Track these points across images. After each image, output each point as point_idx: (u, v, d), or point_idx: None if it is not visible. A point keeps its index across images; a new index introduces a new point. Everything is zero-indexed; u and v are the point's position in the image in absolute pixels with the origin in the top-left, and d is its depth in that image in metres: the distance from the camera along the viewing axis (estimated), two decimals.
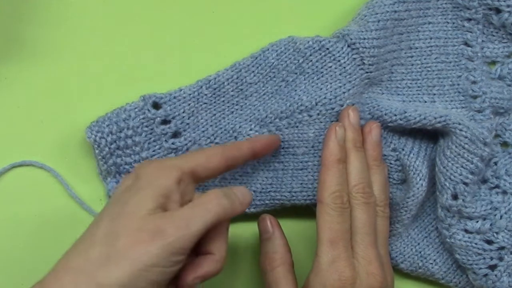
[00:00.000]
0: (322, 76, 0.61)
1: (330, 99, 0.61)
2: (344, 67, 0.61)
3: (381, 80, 0.63)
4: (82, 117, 0.60)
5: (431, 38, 0.64)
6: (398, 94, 0.64)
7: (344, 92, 0.61)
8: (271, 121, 0.61)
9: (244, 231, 0.63)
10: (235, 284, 0.63)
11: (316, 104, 0.61)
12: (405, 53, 0.64)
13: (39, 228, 0.60)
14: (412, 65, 0.64)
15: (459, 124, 0.60)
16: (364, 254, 0.56)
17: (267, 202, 0.62)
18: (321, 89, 0.61)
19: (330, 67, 0.61)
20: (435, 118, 0.60)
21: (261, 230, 0.60)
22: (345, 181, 0.58)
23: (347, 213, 0.57)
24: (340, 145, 0.59)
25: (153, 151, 0.59)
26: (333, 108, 0.61)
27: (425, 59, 0.64)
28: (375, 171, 0.60)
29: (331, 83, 0.61)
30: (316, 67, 0.61)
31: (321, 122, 0.61)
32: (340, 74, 0.61)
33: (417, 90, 0.64)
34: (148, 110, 0.59)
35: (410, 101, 0.64)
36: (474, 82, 0.64)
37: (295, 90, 0.62)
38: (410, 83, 0.64)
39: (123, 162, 0.59)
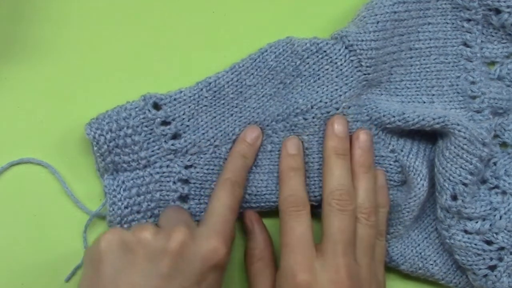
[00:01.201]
0: (318, 79, 0.61)
1: (326, 102, 0.61)
2: (341, 70, 0.61)
3: (380, 81, 0.63)
4: (82, 117, 0.60)
5: (430, 39, 0.64)
6: (397, 95, 0.64)
7: (340, 95, 0.61)
8: (268, 124, 0.61)
9: (242, 232, 0.63)
10: (234, 285, 0.63)
11: (312, 107, 0.61)
12: (405, 54, 0.64)
13: (38, 226, 0.61)
14: (411, 66, 0.64)
15: (458, 125, 0.59)
16: (332, 262, 0.55)
17: (262, 204, 0.62)
18: (317, 92, 0.61)
19: (327, 69, 0.61)
20: (434, 119, 0.60)
21: (244, 227, 0.61)
22: (302, 187, 0.59)
23: (304, 217, 0.57)
24: (292, 155, 0.61)
25: (152, 151, 0.59)
26: (328, 112, 0.61)
27: (424, 59, 0.64)
28: (361, 178, 0.60)
29: (327, 86, 0.61)
30: (313, 69, 0.61)
31: (316, 125, 0.61)
32: (336, 77, 0.61)
33: (416, 91, 0.64)
34: (149, 110, 0.59)
35: (409, 102, 0.64)
36: (473, 83, 0.64)
37: (292, 93, 0.62)
38: (409, 84, 0.64)
39: (121, 161, 0.59)
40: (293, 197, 0.58)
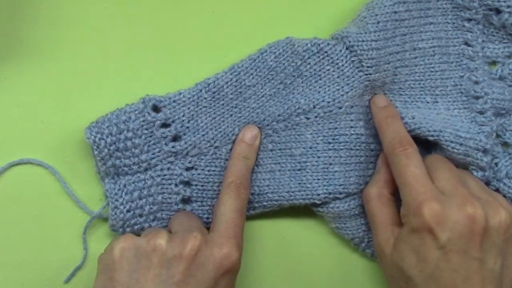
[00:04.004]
0: (320, 79, 0.61)
1: (328, 102, 0.61)
2: (342, 70, 0.61)
3: (384, 82, 0.63)
4: (82, 117, 0.60)
5: (433, 39, 0.64)
6: (401, 95, 0.64)
7: (342, 95, 0.61)
8: (268, 124, 0.61)
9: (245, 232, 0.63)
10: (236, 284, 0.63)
11: (314, 107, 0.61)
12: (410, 54, 0.63)
13: (39, 226, 0.61)
14: (416, 66, 0.64)
15: (451, 142, 0.60)
16: (454, 190, 0.56)
17: (264, 203, 0.62)
18: (319, 92, 0.61)
19: (328, 70, 0.61)
20: (429, 131, 0.60)
21: None
22: (403, 128, 0.60)
23: (413, 154, 0.57)
24: (383, 107, 0.62)
25: (153, 154, 0.59)
26: (331, 111, 0.61)
27: (428, 59, 0.64)
28: None
29: (329, 86, 0.61)
30: (314, 70, 0.61)
31: (318, 124, 0.61)
32: (338, 77, 0.61)
33: (420, 91, 0.64)
34: (148, 113, 0.59)
35: (412, 101, 0.64)
36: (476, 83, 0.64)
37: (293, 93, 0.62)
38: (413, 84, 0.64)
39: (122, 164, 0.59)
40: (397, 139, 0.58)
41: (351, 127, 0.62)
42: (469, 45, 0.65)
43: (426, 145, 0.62)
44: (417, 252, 0.54)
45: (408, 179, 0.56)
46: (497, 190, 0.62)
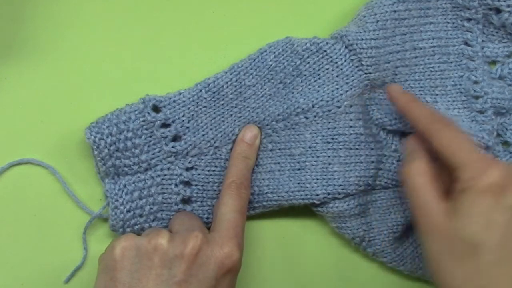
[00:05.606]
0: (319, 78, 0.61)
1: (327, 101, 0.61)
2: (341, 69, 0.61)
3: (384, 81, 0.63)
4: (82, 117, 0.60)
5: (433, 38, 0.64)
6: None
7: (341, 94, 0.61)
8: (268, 123, 0.61)
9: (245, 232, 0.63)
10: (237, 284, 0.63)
11: (313, 106, 0.61)
12: (410, 54, 0.63)
13: (38, 226, 0.61)
14: (416, 65, 0.64)
15: None
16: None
17: (264, 203, 0.62)
18: (318, 91, 0.61)
19: (327, 69, 0.61)
20: None
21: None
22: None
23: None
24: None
25: (153, 154, 0.59)
26: (330, 110, 0.61)
27: (428, 59, 0.64)
28: None
29: (328, 85, 0.61)
30: (313, 69, 0.61)
31: (317, 123, 0.61)
32: (337, 76, 0.61)
33: (419, 91, 0.64)
34: (148, 113, 0.59)
35: None
36: (476, 82, 0.64)
37: (292, 92, 0.62)
38: (413, 84, 0.64)
39: (122, 164, 0.59)
40: (434, 116, 0.57)
41: (350, 126, 0.62)
42: (468, 45, 0.65)
43: None
44: (485, 215, 0.51)
45: (463, 145, 0.54)
46: None
